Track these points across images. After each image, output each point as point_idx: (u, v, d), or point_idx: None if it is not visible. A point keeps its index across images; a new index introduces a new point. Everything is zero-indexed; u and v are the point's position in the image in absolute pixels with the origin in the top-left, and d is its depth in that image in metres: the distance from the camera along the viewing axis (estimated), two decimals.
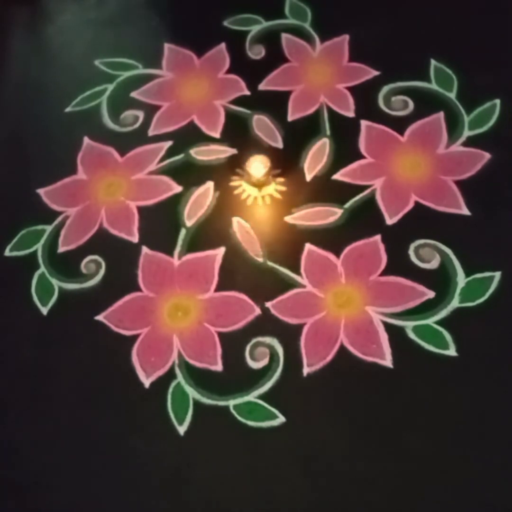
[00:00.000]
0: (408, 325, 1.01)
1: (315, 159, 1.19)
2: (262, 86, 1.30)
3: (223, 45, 1.36)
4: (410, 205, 1.12)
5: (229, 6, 1.41)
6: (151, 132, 1.26)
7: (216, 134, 1.25)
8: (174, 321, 1.06)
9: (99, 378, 1.02)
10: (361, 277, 1.06)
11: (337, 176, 1.17)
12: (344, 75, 1.29)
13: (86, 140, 1.26)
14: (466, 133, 1.19)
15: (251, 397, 0.98)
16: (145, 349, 1.03)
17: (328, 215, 1.13)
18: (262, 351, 1.01)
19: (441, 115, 1.22)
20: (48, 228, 1.17)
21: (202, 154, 1.22)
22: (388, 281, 1.05)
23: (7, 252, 1.15)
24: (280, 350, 1.01)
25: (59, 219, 1.17)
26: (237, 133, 1.24)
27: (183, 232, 1.14)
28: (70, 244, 1.15)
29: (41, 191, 1.21)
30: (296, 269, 1.08)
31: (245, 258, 1.10)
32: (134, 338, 1.04)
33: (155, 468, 0.95)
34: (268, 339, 1.02)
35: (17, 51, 1.43)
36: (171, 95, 1.31)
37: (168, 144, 1.24)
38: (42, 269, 1.12)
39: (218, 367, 1.01)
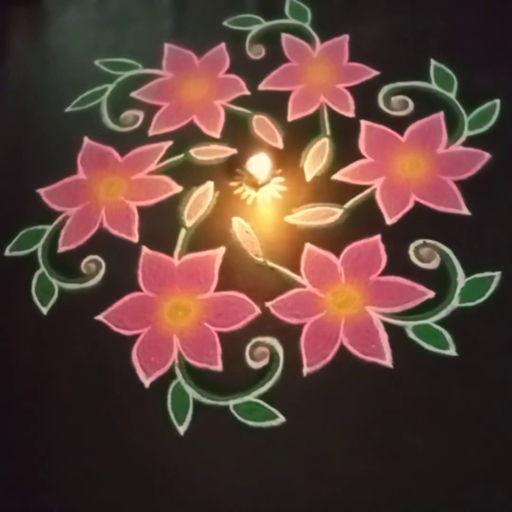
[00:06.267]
0: (408, 325, 1.01)
1: (315, 159, 1.19)
2: (262, 86, 1.30)
3: (223, 45, 1.36)
4: (410, 205, 1.12)
5: (229, 6, 1.41)
6: (151, 132, 1.26)
7: (216, 134, 1.25)
8: (174, 321, 1.06)
9: (99, 378, 1.02)
10: (361, 277, 1.06)
11: (337, 176, 1.17)
12: (344, 75, 1.29)
13: (86, 140, 1.26)
14: (466, 133, 1.19)
15: (251, 397, 0.98)
16: (145, 349, 1.03)
17: (328, 215, 1.13)
18: (262, 351, 1.01)
19: (441, 115, 1.22)
20: (48, 228, 1.17)
21: (202, 154, 1.22)
22: (388, 281, 1.05)
23: (7, 252, 1.15)
24: (280, 350, 1.01)
25: (59, 219, 1.17)
26: (237, 133, 1.24)
27: (183, 232, 1.14)
28: (70, 244, 1.15)
29: (41, 191, 1.21)
30: (296, 269, 1.08)
31: (245, 258, 1.10)
32: (134, 338, 1.04)
33: (155, 468, 0.95)
34: (268, 339, 1.02)
35: (17, 51, 1.43)
36: (171, 95, 1.31)
37: (168, 144, 1.24)
38: (42, 269, 1.12)
39: (218, 367, 1.01)
